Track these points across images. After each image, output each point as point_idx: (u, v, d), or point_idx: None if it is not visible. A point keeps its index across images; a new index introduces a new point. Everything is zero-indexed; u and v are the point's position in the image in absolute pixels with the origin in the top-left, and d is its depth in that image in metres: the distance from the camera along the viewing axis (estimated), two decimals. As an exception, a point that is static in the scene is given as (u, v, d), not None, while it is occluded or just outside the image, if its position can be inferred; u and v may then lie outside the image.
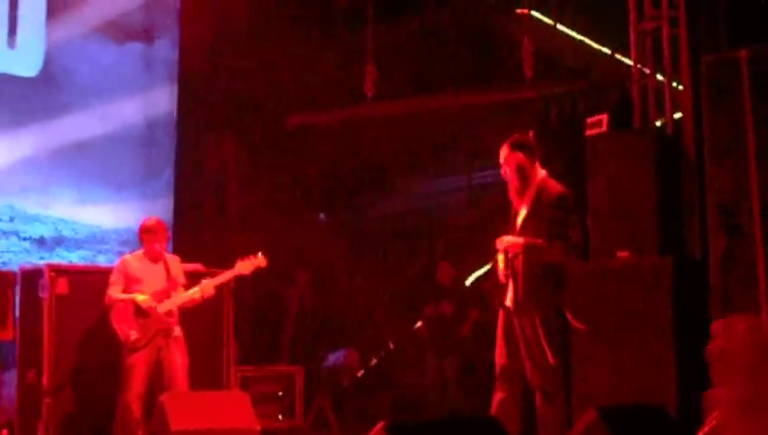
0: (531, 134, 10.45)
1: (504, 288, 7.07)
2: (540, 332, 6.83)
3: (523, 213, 7.07)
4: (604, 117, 8.82)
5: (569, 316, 7.00)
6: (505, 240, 7.00)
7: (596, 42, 10.77)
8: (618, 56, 10.53)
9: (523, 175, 7.08)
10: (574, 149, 9.41)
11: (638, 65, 9.25)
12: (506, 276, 7.02)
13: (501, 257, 7.06)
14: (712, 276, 8.06)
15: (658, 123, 9.19)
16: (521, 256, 6.95)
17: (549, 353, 6.79)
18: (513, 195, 7.15)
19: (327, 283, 13.10)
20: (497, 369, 7.04)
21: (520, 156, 7.09)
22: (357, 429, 9.64)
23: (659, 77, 9.19)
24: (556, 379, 6.91)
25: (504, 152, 7.16)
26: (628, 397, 7.90)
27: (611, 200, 8.58)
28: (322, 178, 13.08)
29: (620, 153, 8.60)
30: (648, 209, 8.44)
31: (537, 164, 7.15)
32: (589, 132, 8.85)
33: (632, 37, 9.26)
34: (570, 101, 10.80)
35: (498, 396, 7.00)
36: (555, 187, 7.06)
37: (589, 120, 8.93)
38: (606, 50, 10.73)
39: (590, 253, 8.66)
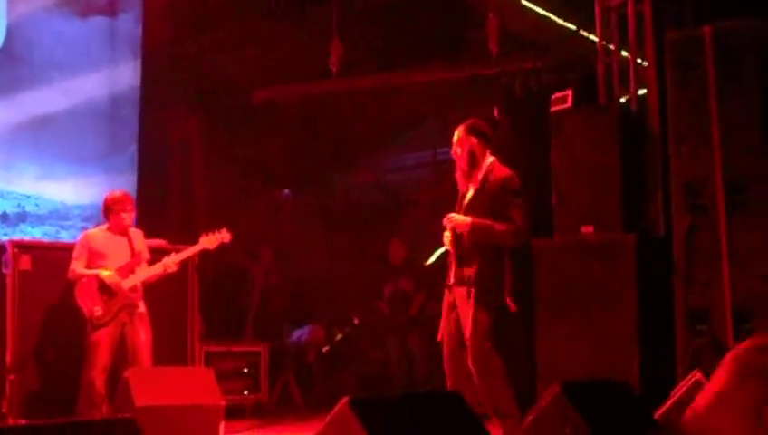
0: (495, 111, 10.52)
1: (448, 266, 7.22)
2: (472, 310, 6.95)
3: (469, 195, 7.19)
4: (569, 93, 8.84)
5: (507, 298, 7.02)
6: (453, 218, 7.10)
7: (561, 18, 10.76)
8: (582, 32, 10.53)
9: (473, 159, 7.21)
10: (539, 124, 9.44)
11: (603, 42, 9.27)
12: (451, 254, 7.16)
13: (447, 235, 7.16)
14: (675, 253, 8.12)
15: (623, 100, 9.22)
16: (466, 235, 7.05)
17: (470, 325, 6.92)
18: (459, 177, 7.29)
19: (291, 259, 13.08)
20: (444, 346, 7.17)
21: (474, 141, 7.23)
22: (322, 404, 9.66)
23: (624, 53, 9.22)
24: (486, 357, 6.97)
25: (458, 134, 7.29)
26: (591, 372, 7.96)
27: (576, 176, 8.62)
28: (287, 153, 13.04)
29: (585, 129, 8.64)
30: (612, 185, 8.49)
31: (488, 151, 7.28)
32: (553, 108, 8.88)
33: (597, 13, 9.28)
34: (534, 77, 10.82)
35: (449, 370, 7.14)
36: (502, 171, 7.19)
37: (553, 96, 8.95)
38: (571, 26, 10.73)
39: (555, 228, 8.70)
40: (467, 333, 6.98)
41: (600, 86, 9.16)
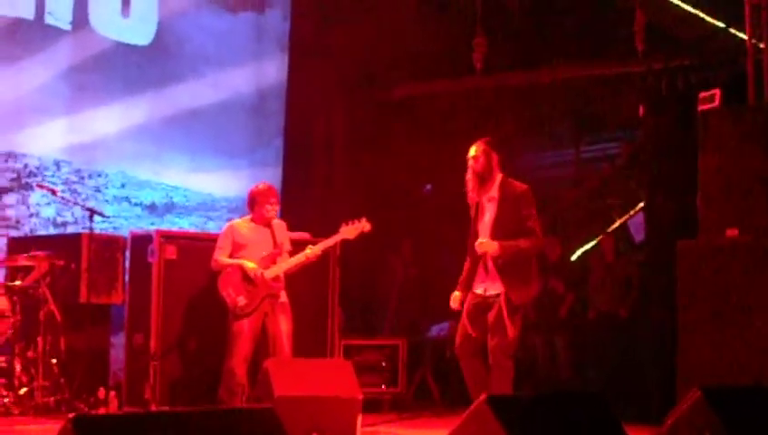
0: (640, 109, 10.39)
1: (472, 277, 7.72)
2: (504, 312, 7.44)
3: (491, 213, 7.64)
4: (717, 92, 8.67)
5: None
6: (483, 244, 7.53)
7: (709, 15, 10.55)
8: (731, 30, 10.31)
9: (490, 172, 7.68)
10: (685, 124, 9.28)
11: (753, 39, 9.06)
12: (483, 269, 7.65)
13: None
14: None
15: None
16: (496, 257, 7.52)
17: (509, 328, 7.41)
18: (473, 189, 7.73)
19: (432, 254, 13.09)
20: (457, 346, 7.74)
21: (495, 157, 7.70)
22: (459, 400, 9.66)
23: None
24: (510, 350, 7.51)
25: (480, 147, 7.72)
26: (733, 377, 7.80)
27: (722, 178, 8.44)
28: (429, 149, 13.05)
29: (733, 129, 8.46)
30: (760, 187, 8.29)
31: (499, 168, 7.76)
32: (701, 107, 8.71)
33: (746, 11, 9.08)
34: (681, 76, 10.64)
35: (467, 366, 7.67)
36: (519, 186, 7.70)
37: (701, 95, 8.78)
38: (719, 23, 10.51)
39: (700, 230, 8.55)
40: (494, 339, 7.47)
41: (750, 85, 8.96)
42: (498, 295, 7.51)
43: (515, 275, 7.53)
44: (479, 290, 7.66)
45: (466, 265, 7.77)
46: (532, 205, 7.62)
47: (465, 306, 7.70)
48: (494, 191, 7.66)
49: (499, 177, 7.69)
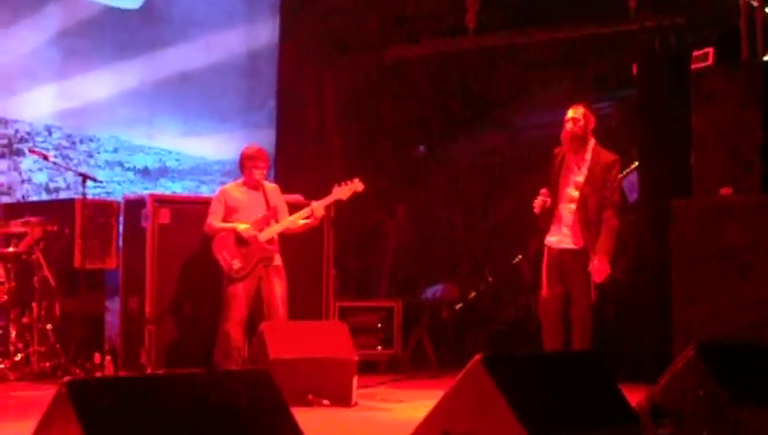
0: (634, 68, 10.35)
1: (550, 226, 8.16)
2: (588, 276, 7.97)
3: (581, 177, 8.05)
4: (710, 50, 8.64)
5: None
6: (596, 270, 7.95)
7: (703, -28, 10.51)
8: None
9: (585, 138, 8.08)
10: (678, 83, 9.25)
11: (746, -2, 9.02)
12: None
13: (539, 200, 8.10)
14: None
15: (766, 58, 8.97)
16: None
17: (592, 293, 7.96)
18: (570, 150, 8.11)
19: (426, 215, 13.08)
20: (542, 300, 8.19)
21: (592, 121, 8.13)
22: (455, 361, 9.69)
23: (768, 10, 8.96)
24: (590, 312, 8.00)
25: (581, 109, 8.14)
26: (728, 335, 7.81)
27: (716, 135, 8.42)
28: (422, 111, 13.01)
29: (726, 87, 8.42)
30: (754, 145, 8.27)
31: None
32: (694, 66, 8.68)
33: (740, -32, 9.02)
34: (675, 34, 10.59)
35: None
36: (609, 155, 8.12)
37: (694, 54, 8.75)
38: (713, -19, 10.46)
39: (694, 189, 8.54)
40: (578, 293, 7.99)
41: (743, 44, 8.92)
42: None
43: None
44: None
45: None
46: (618, 173, 8.18)
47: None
48: (587, 154, 8.06)
49: (592, 142, 8.11)
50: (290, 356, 7.74)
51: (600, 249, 7.93)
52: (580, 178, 8.05)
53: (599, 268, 7.93)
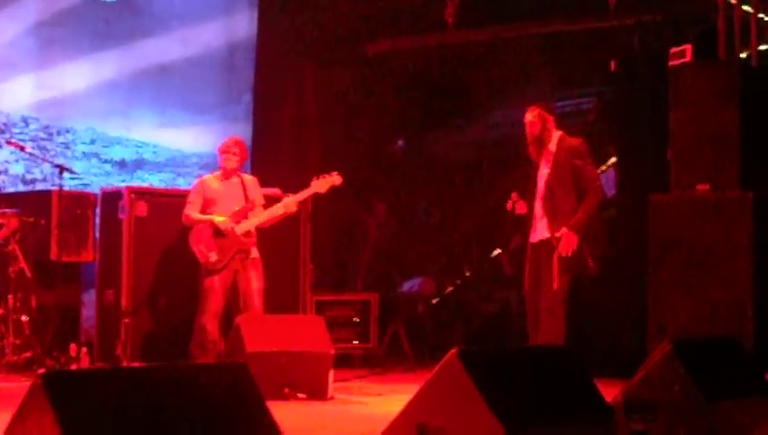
0: (611, 65, 10.39)
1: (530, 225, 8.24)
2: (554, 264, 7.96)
3: (547, 168, 8.12)
4: (688, 47, 8.68)
5: (588, 258, 8.06)
6: (564, 249, 7.92)
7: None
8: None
9: (547, 136, 8.17)
10: (656, 79, 9.28)
11: (723, -5, 9.06)
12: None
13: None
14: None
15: (743, 55, 9.01)
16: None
17: (556, 280, 7.93)
18: (533, 151, 8.22)
19: (404, 209, 13.09)
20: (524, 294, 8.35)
21: (550, 119, 8.20)
22: (431, 355, 9.70)
23: (746, 8, 9.00)
24: (558, 300, 7.99)
25: (533, 113, 8.21)
26: (703, 328, 7.85)
27: (693, 132, 8.46)
28: (402, 105, 13.01)
29: (703, 84, 8.46)
30: (731, 142, 8.31)
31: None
32: (672, 63, 8.72)
33: (719, -34, 9.06)
34: (653, 32, 10.62)
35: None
36: (573, 139, 8.21)
37: (672, 51, 8.79)
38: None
39: (671, 185, 8.57)
40: (544, 280, 8.01)
41: (720, 41, 8.96)
42: None
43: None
44: None
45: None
46: (587, 155, 8.16)
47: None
48: (552, 146, 8.16)
49: (557, 134, 8.20)
50: (266, 349, 7.73)
51: (569, 223, 7.94)
52: (546, 171, 8.14)
53: (564, 241, 7.91)
